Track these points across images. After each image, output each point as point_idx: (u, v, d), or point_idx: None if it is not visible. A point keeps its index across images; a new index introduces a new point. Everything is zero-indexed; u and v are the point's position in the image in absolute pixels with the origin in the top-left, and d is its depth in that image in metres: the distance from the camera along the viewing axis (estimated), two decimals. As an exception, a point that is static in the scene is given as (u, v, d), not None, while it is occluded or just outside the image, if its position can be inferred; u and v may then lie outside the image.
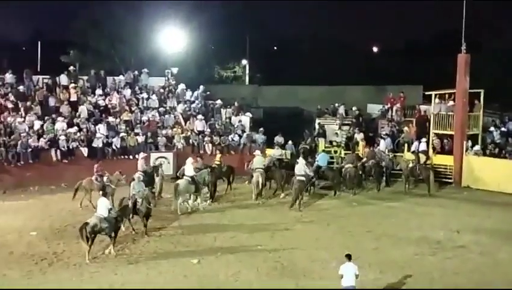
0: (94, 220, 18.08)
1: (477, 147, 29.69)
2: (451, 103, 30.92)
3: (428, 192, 27.62)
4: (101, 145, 29.52)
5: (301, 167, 25.28)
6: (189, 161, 25.24)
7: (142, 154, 26.86)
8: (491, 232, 21.11)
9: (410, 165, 28.45)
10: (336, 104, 36.32)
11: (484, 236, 20.66)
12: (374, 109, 37.85)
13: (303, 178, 24.89)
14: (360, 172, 28.53)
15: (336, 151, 32.10)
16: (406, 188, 28.28)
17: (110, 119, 31.29)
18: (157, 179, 25.56)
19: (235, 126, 33.93)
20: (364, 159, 29.22)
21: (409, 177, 28.47)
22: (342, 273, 14.33)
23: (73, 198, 23.68)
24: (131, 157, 29.39)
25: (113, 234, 18.47)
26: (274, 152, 29.80)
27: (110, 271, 17.00)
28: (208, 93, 37.11)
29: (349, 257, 14.54)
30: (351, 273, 14.25)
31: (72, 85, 32.45)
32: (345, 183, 27.77)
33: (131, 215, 20.30)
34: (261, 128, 33.34)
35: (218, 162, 27.58)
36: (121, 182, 23.74)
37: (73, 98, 32.01)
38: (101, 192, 20.48)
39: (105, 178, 23.63)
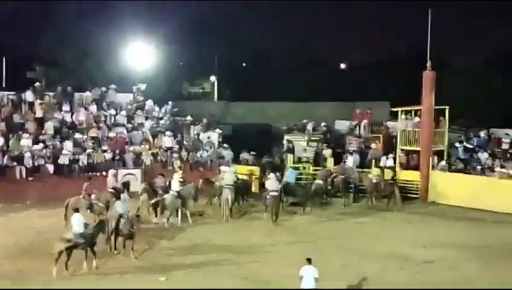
0: (70, 235, 18.02)
1: (443, 163, 30.08)
2: (417, 119, 31.31)
3: (390, 205, 28.01)
4: (67, 162, 29.18)
5: (273, 182, 25.38)
6: (176, 176, 25.46)
7: (112, 171, 26.65)
8: (458, 247, 21.31)
9: (374, 181, 28.67)
10: (304, 121, 36.50)
11: (451, 251, 20.85)
12: (342, 125, 38.05)
13: (276, 193, 24.97)
14: (330, 187, 28.71)
15: (304, 167, 32.22)
16: (370, 203, 28.49)
17: (77, 135, 30.97)
18: (141, 197, 25.20)
19: (204, 143, 33.85)
20: (334, 175, 29.39)
21: (373, 193, 28.67)
22: (301, 275, 15.08)
23: (65, 216, 22.67)
24: (98, 174, 29.10)
25: (88, 249, 18.34)
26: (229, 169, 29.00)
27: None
28: (176, 109, 36.98)
29: (309, 260, 15.25)
30: (310, 276, 14.99)
31: (38, 101, 32.07)
32: (314, 199, 27.85)
33: (114, 236, 19.94)
34: (226, 145, 33.66)
35: (181, 179, 27.24)
36: (110, 201, 23.39)
37: (39, 114, 31.63)
38: (88, 210, 20.33)
39: (93, 196, 23.31)
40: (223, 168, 28.67)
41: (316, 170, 31.32)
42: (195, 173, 30.32)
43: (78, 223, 18.35)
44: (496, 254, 20.55)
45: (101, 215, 21.98)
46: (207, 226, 24.29)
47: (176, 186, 24.77)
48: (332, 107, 44.95)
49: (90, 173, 28.99)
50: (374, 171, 29.97)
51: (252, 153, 32.92)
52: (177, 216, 24.36)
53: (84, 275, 17.91)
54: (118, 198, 22.07)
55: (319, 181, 28.31)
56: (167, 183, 25.50)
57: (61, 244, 17.81)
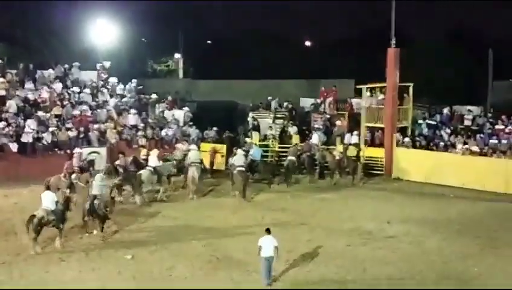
0: (41, 213, 17.96)
1: (406, 140, 30.47)
2: (381, 96, 31.62)
3: (354, 182, 28.48)
4: (31, 140, 28.75)
5: (240, 158, 25.62)
6: (154, 152, 25.76)
7: (77, 150, 26.40)
8: (420, 222, 21.72)
9: (337, 158, 28.90)
10: (269, 98, 36.56)
11: (413, 226, 21.23)
12: (307, 102, 38.26)
13: (243, 168, 25.22)
14: (296, 164, 28.99)
15: (270, 145, 32.35)
16: (333, 180, 28.74)
17: (40, 113, 30.51)
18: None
19: (169, 120, 33.71)
20: (299, 152, 29.57)
21: (336, 169, 28.90)
22: (260, 245, 15.62)
23: None
24: (62, 152, 28.84)
25: (61, 226, 18.43)
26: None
27: (40, 269, 16.65)
28: (141, 87, 36.70)
29: (268, 231, 15.86)
30: (270, 245, 15.55)
31: (0, 79, 31.52)
32: (286, 174, 28.09)
33: (89, 216, 19.81)
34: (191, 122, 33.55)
35: (144, 157, 27.08)
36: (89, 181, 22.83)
37: (1, 92, 31.06)
38: (68, 190, 20.19)
39: (73, 176, 23.08)
40: (179, 145, 28.77)
41: (281, 148, 31.48)
42: (160, 152, 30.15)
43: (49, 200, 18.30)
44: (456, 229, 21.00)
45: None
46: (173, 204, 24.31)
47: (153, 162, 24.93)
48: (297, 85, 45.27)
49: (59, 151, 28.72)
50: (340, 148, 30.26)
51: (214, 128, 32.95)
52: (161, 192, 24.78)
53: (49, 253, 17.83)
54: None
55: (291, 157, 28.51)
56: (129, 161, 25.32)
57: (35, 221, 17.81)
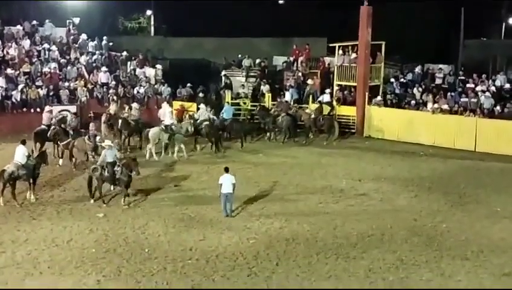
0: (12, 167, 18.15)
1: (378, 98, 30.61)
2: (354, 55, 31.59)
3: (329, 140, 28.61)
4: (-1, 98, 28.39)
5: (204, 112, 26.37)
6: (167, 106, 26.30)
7: (47, 108, 25.98)
8: (391, 180, 21.97)
9: (313, 116, 28.97)
10: (239, 56, 36.31)
11: (384, 184, 21.49)
12: (279, 60, 38.14)
13: (207, 122, 25.95)
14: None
15: (244, 103, 32.28)
16: (307, 138, 28.86)
17: (9, 71, 30.02)
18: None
19: (140, 78, 33.37)
20: (277, 112, 29.47)
21: (311, 128, 29.01)
22: (221, 182, 17.43)
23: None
24: (32, 110, 28.47)
25: (31, 180, 18.62)
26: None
27: (12, 227, 16.57)
28: (112, 44, 36.19)
29: (226, 169, 17.66)
30: (229, 182, 17.38)
31: (-34, 36, 30.89)
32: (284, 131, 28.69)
33: (112, 187, 19.48)
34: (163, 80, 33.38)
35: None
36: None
37: (-32, 49, 30.51)
38: (93, 153, 21.61)
39: (98, 138, 22.74)
40: (134, 104, 28.13)
41: (253, 106, 31.43)
42: (179, 109, 29.86)
43: (21, 155, 18.44)
44: (426, 186, 21.30)
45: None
46: (143, 163, 24.08)
47: (168, 119, 25.12)
48: (269, 43, 44.98)
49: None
50: (312, 107, 30.29)
51: (188, 85, 32.74)
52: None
53: (20, 212, 17.77)
54: None
55: (284, 114, 28.74)
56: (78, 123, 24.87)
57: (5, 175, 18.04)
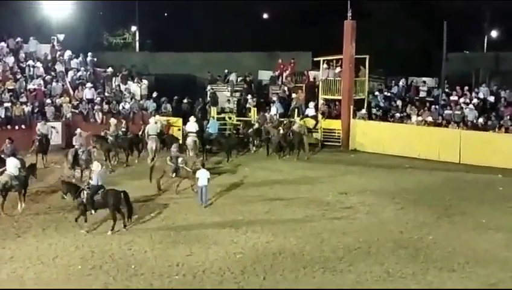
0: (5, 178, 18.69)
1: (363, 111, 30.77)
2: (338, 68, 31.78)
3: (300, 155, 28.08)
4: (-17, 115, 28.20)
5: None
6: (192, 119, 27.50)
7: (40, 124, 26.75)
8: (377, 193, 22.05)
9: (282, 131, 28.61)
10: (226, 71, 36.37)
11: (370, 197, 21.56)
12: (265, 75, 38.28)
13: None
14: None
15: (229, 118, 32.35)
16: (279, 155, 28.34)
17: (-8, 88, 29.88)
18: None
19: (125, 94, 33.30)
20: (257, 125, 29.57)
21: (281, 143, 28.50)
22: (198, 177, 19.91)
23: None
24: (16, 127, 28.32)
25: (23, 191, 19.18)
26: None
27: (-3, 245, 16.46)
28: (97, 60, 36.13)
29: (203, 165, 20.47)
30: (204, 177, 19.84)
31: (-50, 53, 30.71)
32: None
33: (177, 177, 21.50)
34: (154, 94, 33.31)
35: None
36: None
37: (-49, 66, 30.32)
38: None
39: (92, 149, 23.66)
40: (112, 120, 27.90)
41: (239, 120, 31.50)
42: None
43: (13, 166, 19.05)
44: (412, 198, 21.40)
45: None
46: (129, 177, 23.95)
47: (192, 128, 26.79)
48: (255, 58, 45.12)
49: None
50: (299, 121, 30.13)
51: (174, 98, 32.77)
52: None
53: (5, 229, 17.63)
54: None
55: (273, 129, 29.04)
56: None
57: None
